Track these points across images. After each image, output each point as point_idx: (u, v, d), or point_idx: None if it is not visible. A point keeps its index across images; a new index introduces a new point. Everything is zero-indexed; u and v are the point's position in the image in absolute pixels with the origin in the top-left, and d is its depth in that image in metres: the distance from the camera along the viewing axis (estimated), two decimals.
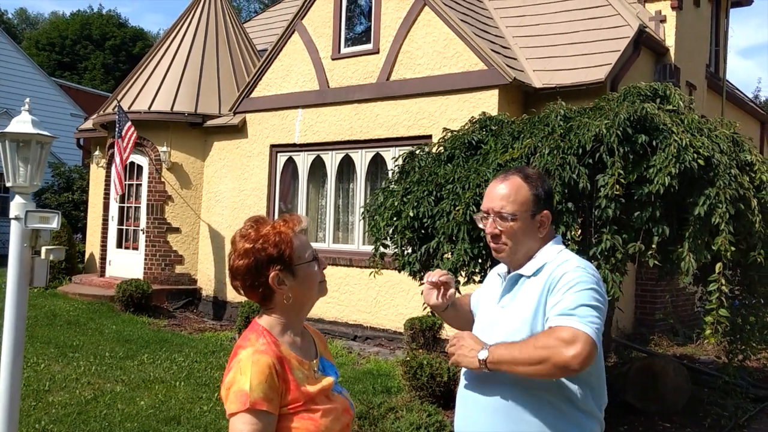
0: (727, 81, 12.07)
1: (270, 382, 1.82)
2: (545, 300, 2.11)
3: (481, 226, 2.31)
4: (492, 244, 2.28)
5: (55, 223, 3.22)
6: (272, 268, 1.91)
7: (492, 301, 2.31)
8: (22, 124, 3.42)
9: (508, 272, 2.29)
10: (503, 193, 2.24)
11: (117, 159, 10.72)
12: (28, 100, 3.60)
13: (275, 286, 1.93)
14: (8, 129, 3.42)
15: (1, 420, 3.45)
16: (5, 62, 20.28)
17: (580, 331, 1.95)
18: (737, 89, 13.93)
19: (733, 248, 4.27)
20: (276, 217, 2.06)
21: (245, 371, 1.82)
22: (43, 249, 3.32)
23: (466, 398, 2.23)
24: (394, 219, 5.33)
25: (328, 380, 1.98)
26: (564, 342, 1.94)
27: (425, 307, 5.38)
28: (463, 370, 2.24)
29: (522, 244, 2.23)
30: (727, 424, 5.42)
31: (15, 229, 3.34)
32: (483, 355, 2.05)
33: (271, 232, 1.95)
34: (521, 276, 2.23)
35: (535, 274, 2.19)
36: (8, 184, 3.45)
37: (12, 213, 3.33)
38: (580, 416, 2.11)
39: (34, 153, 3.40)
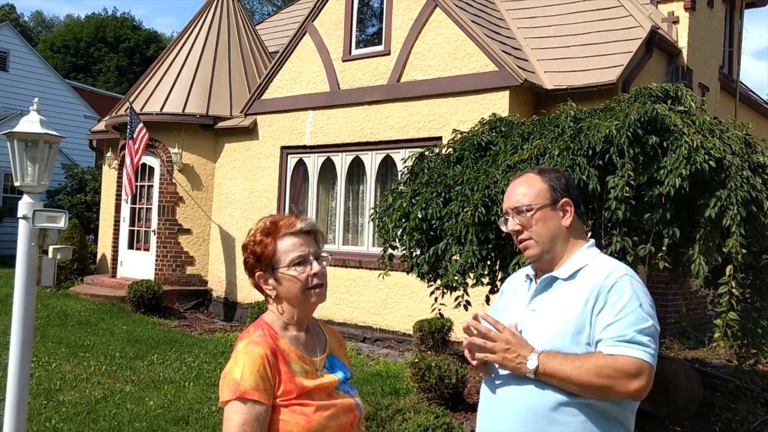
0: (741, 83, 11.97)
1: (262, 373, 1.84)
2: (592, 307, 2.04)
3: (504, 229, 2.28)
4: (519, 246, 2.24)
5: (62, 222, 3.24)
6: (257, 268, 1.98)
7: (519, 303, 2.24)
8: (30, 123, 3.44)
9: (537, 275, 2.24)
10: (518, 189, 2.23)
11: (128, 160, 10.78)
12: (36, 99, 3.62)
13: (262, 286, 2.00)
14: (17, 129, 3.43)
15: (10, 416, 3.46)
16: (21, 64, 20.48)
17: (645, 363, 1.96)
18: (751, 91, 13.80)
19: (744, 251, 4.21)
20: None
21: (239, 361, 1.86)
22: (51, 248, 3.33)
23: (493, 400, 2.16)
24: (403, 220, 5.32)
25: (331, 378, 1.99)
26: (629, 375, 1.95)
27: (434, 309, 5.39)
28: (492, 372, 2.18)
29: (548, 236, 2.17)
30: (738, 428, 5.36)
31: (23, 229, 3.36)
32: (532, 365, 2.01)
33: (259, 231, 2.00)
34: (556, 278, 2.16)
35: (572, 277, 2.13)
36: (16, 184, 3.47)
37: (20, 212, 3.35)
38: (615, 424, 2.07)
39: (42, 152, 3.42)
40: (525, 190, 2.21)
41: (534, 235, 2.17)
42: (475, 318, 2.14)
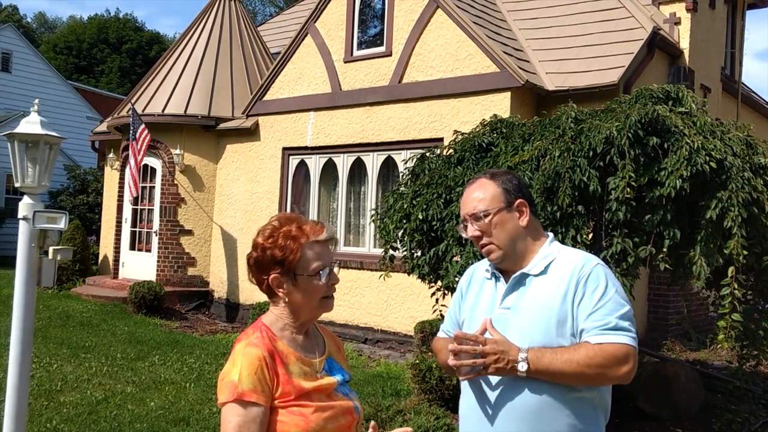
0: (743, 84, 11.95)
1: (259, 375, 1.84)
2: (572, 298, 2.10)
3: (464, 235, 2.31)
4: (481, 250, 2.26)
5: (62, 223, 3.24)
6: (273, 270, 1.93)
7: (489, 303, 2.25)
8: (30, 124, 3.45)
9: (502, 272, 2.26)
10: (473, 195, 2.27)
11: (132, 161, 10.80)
12: (37, 101, 3.63)
13: (274, 288, 1.96)
14: (17, 130, 3.44)
15: (10, 417, 3.47)
16: (23, 66, 20.52)
17: (631, 347, 2.05)
18: (753, 92, 13.78)
19: (745, 252, 4.21)
20: None
21: (236, 363, 1.86)
22: (51, 249, 3.33)
23: (480, 401, 2.17)
24: (404, 222, 5.32)
25: (330, 380, 1.99)
26: (618, 361, 2.03)
27: (435, 310, 5.38)
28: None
29: (508, 239, 2.21)
30: (739, 429, 5.35)
31: (23, 230, 3.36)
32: (523, 367, 2.04)
33: (283, 234, 1.95)
34: (527, 275, 2.19)
35: (543, 272, 2.17)
36: (17, 185, 3.48)
37: (20, 213, 3.35)
38: (599, 411, 2.17)
39: (42, 153, 3.42)
40: (480, 196, 2.24)
41: (494, 239, 2.21)
42: (458, 339, 2.12)
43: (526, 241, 2.23)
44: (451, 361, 2.12)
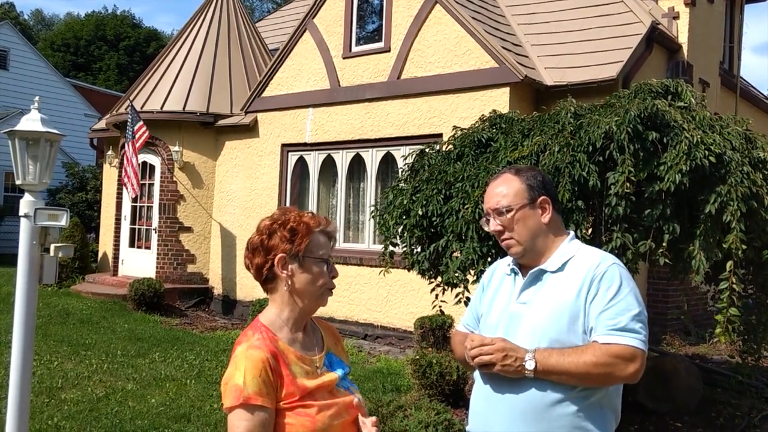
0: (742, 78, 11.96)
1: (264, 377, 1.83)
2: (585, 295, 2.12)
3: (486, 229, 2.34)
4: (502, 244, 2.29)
5: (63, 220, 3.24)
6: (281, 249, 1.93)
7: (507, 297, 2.28)
8: (31, 122, 3.44)
9: (521, 268, 2.29)
10: (497, 190, 2.29)
11: (134, 160, 10.78)
12: (37, 98, 3.63)
13: (278, 269, 1.94)
14: (18, 127, 3.44)
15: (13, 414, 3.47)
16: (21, 63, 20.48)
17: (638, 349, 2.06)
18: (752, 86, 13.79)
19: (744, 246, 4.21)
20: None
21: (240, 366, 1.84)
22: (52, 246, 3.33)
23: (489, 397, 2.20)
24: (403, 218, 5.32)
25: (331, 376, 1.98)
26: (624, 360, 2.05)
27: (435, 306, 5.39)
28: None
29: (529, 235, 2.24)
30: (740, 423, 5.37)
31: (24, 227, 3.36)
32: (531, 365, 2.08)
33: (293, 217, 1.97)
34: (544, 271, 2.22)
35: (561, 269, 2.20)
36: (18, 182, 3.48)
37: (22, 210, 3.35)
38: (607, 411, 2.17)
39: (43, 151, 3.42)
40: (504, 191, 2.27)
41: (515, 234, 2.24)
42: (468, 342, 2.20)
43: (547, 238, 2.25)
44: (468, 351, 2.18)
